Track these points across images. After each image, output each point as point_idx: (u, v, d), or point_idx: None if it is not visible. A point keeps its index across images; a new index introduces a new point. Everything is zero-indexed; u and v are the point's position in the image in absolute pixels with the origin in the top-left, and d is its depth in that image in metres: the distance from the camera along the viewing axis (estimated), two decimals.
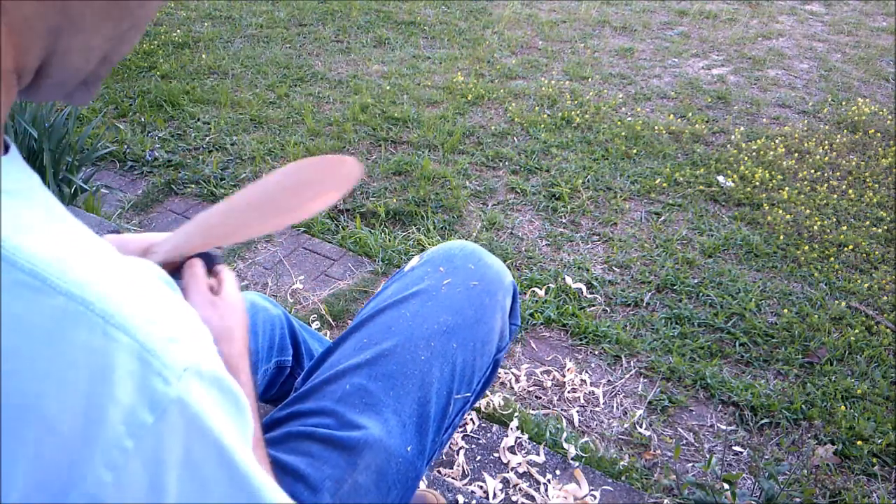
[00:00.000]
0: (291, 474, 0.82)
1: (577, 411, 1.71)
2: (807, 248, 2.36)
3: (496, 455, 1.55)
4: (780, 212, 2.55)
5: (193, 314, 0.46)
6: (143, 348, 0.38)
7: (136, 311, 0.39)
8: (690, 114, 3.31)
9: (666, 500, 1.47)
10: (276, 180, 0.81)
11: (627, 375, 1.83)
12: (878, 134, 3.21)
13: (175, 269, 0.79)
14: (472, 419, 1.63)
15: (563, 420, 1.68)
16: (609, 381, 1.81)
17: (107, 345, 0.37)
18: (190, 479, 0.40)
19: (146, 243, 0.81)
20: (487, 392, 1.71)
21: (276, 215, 0.81)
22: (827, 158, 2.96)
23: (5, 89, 0.43)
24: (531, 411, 1.68)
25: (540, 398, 1.74)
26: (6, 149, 0.46)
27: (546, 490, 1.47)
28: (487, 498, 1.44)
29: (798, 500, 1.48)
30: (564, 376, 1.79)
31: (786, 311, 2.06)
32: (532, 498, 1.46)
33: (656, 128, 3.13)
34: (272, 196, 0.81)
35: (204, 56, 3.72)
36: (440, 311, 0.93)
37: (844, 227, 2.49)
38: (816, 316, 2.04)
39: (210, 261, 0.81)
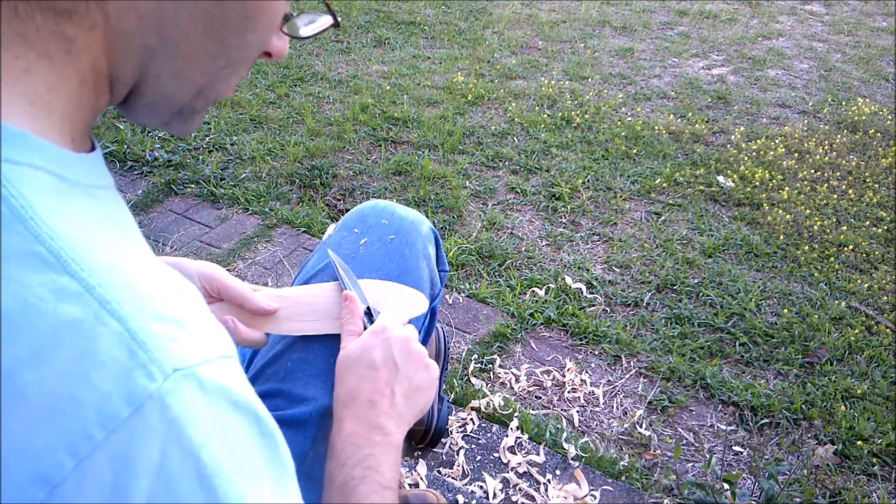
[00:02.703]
0: None
1: (577, 411, 1.71)
2: (807, 248, 2.36)
3: (496, 455, 1.55)
4: (780, 212, 2.55)
5: (221, 330, 0.44)
6: (132, 339, 0.37)
7: (142, 306, 0.39)
8: (690, 114, 3.31)
9: (666, 500, 1.47)
10: (332, 289, 0.86)
11: (627, 375, 1.83)
12: (878, 134, 3.21)
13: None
14: (472, 419, 1.63)
15: (563, 420, 1.68)
16: (609, 381, 1.81)
17: (95, 327, 0.36)
18: (164, 493, 0.36)
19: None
20: (487, 392, 1.71)
21: (324, 320, 0.86)
22: (827, 158, 2.96)
23: (94, 92, 0.45)
24: (531, 411, 1.68)
25: (540, 398, 1.74)
26: (92, 148, 0.48)
27: (546, 490, 1.47)
28: (487, 498, 1.44)
29: (798, 500, 1.48)
30: (564, 376, 1.79)
31: (786, 311, 2.05)
32: (532, 498, 1.46)
33: (656, 128, 3.13)
34: (325, 302, 0.86)
35: None
36: (362, 272, 0.93)
37: (844, 227, 2.49)
38: (816, 316, 2.04)
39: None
